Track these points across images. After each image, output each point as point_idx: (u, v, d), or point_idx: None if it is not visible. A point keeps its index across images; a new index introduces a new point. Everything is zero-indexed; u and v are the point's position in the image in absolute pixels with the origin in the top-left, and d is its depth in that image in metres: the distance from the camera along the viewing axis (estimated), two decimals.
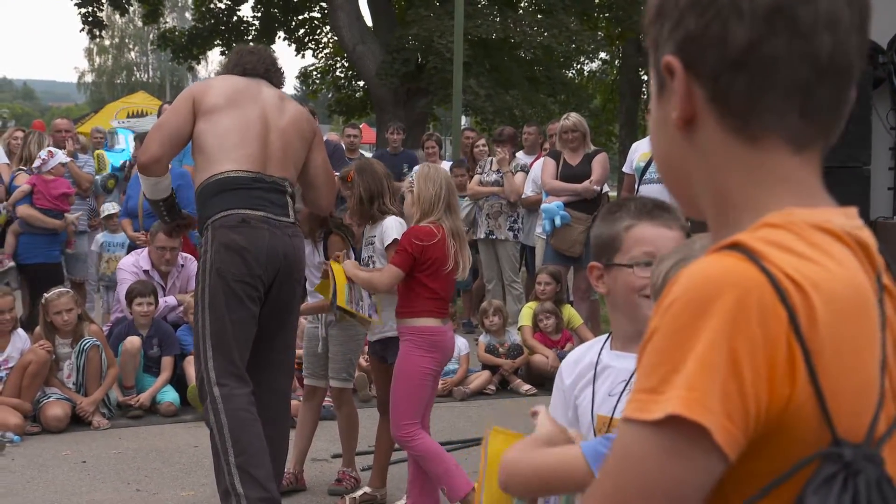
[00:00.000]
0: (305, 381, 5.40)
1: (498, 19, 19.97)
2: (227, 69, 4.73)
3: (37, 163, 8.33)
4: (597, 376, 2.22)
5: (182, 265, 7.61)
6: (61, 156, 8.47)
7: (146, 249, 7.59)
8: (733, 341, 0.96)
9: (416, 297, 4.51)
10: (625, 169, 7.84)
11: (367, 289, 4.68)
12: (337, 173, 9.00)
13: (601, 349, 2.26)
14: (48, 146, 8.66)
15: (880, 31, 7.12)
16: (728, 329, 0.96)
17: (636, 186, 7.60)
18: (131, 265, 7.50)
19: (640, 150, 7.67)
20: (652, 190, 7.43)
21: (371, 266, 4.93)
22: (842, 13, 1.05)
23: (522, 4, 22.41)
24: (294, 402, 6.17)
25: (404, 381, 4.50)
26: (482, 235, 9.39)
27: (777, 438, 0.99)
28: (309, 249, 5.16)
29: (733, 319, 0.96)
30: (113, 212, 9.14)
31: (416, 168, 4.96)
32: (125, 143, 12.77)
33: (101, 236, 9.20)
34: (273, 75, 4.67)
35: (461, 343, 7.26)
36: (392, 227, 4.82)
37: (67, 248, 8.68)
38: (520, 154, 9.88)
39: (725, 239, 1.04)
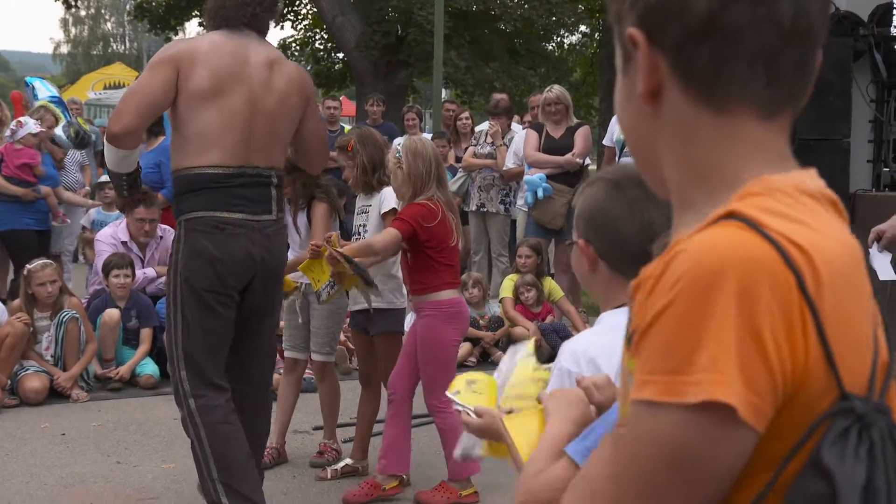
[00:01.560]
0: (286, 354, 5.39)
1: None
2: (209, 17, 4.13)
3: (6, 132, 8.27)
4: None
5: (161, 237, 7.56)
6: (31, 125, 8.36)
7: (124, 221, 7.53)
8: (751, 315, 0.96)
9: (430, 270, 4.56)
10: (605, 142, 7.84)
11: (365, 252, 4.54)
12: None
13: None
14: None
15: (861, 3, 7.13)
16: (744, 302, 0.96)
17: (617, 159, 7.61)
18: (109, 237, 7.45)
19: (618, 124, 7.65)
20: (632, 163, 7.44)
21: (360, 236, 4.94)
22: None
23: None
24: (275, 376, 6.17)
25: (436, 353, 4.58)
26: (473, 208, 9.38)
27: (793, 403, 0.99)
28: (289, 216, 5.15)
29: (747, 291, 0.96)
30: (106, 180, 8.76)
31: (398, 140, 4.93)
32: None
33: (94, 212, 8.92)
34: (261, 17, 4.11)
35: None
36: (391, 197, 4.84)
37: (53, 221, 8.47)
38: (515, 126, 9.86)
39: (715, 210, 1.02)
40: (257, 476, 4.08)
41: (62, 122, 9.86)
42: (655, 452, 1.00)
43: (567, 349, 2.12)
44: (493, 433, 2.05)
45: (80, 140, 9.85)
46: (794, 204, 1.03)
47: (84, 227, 8.86)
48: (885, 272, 4.40)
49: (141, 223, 7.37)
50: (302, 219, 5.23)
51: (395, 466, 4.71)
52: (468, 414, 2.08)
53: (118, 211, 8.47)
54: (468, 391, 2.15)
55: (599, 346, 2.10)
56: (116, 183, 4.46)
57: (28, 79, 12.05)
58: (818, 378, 0.99)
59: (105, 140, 4.09)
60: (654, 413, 1.00)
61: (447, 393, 2.19)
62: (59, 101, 10.50)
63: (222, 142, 3.90)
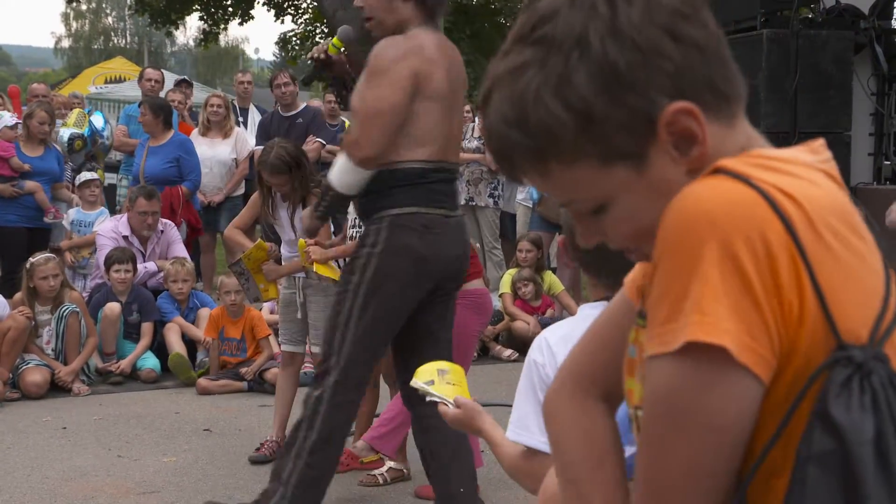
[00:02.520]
0: (283, 348, 5.38)
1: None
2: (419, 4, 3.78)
3: None
4: None
5: (162, 231, 7.57)
6: (7, 118, 8.19)
7: (125, 215, 7.53)
8: (736, 258, 0.96)
9: None
10: None
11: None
12: (318, 139, 9.01)
13: None
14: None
15: None
16: (728, 246, 0.96)
17: None
18: (110, 231, 7.45)
19: None
20: None
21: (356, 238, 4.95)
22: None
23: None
24: (273, 370, 6.18)
25: (458, 340, 4.55)
26: (462, 202, 9.38)
27: (793, 351, 0.99)
28: (285, 213, 5.14)
29: (732, 236, 0.97)
30: (91, 178, 8.52)
31: None
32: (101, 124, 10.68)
33: (73, 212, 8.32)
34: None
35: None
36: None
37: (45, 218, 8.14)
38: None
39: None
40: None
41: (77, 130, 9.32)
42: (660, 411, 1.01)
43: (535, 342, 2.13)
44: (471, 426, 2.07)
45: (73, 151, 9.35)
46: (782, 164, 1.04)
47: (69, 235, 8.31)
48: None
49: (143, 216, 7.37)
50: (299, 216, 5.21)
51: (381, 442, 4.71)
52: (446, 405, 2.09)
53: (100, 209, 8.33)
54: (442, 381, 2.15)
55: (563, 334, 2.10)
56: (337, 205, 3.98)
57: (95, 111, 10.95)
58: (816, 326, 0.99)
59: (348, 163, 3.72)
60: (652, 369, 1.01)
61: (414, 382, 2.18)
62: (94, 132, 9.69)
63: (435, 138, 3.75)
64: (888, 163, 7.29)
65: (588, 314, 2.14)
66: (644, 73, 1.03)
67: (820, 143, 1.12)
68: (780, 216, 0.98)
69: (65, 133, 9.12)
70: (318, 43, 23.18)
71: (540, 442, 1.96)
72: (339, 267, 4.79)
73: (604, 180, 1.08)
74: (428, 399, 2.12)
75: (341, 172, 3.74)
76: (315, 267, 4.81)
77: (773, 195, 0.99)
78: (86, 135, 9.48)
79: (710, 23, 1.09)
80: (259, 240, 5.62)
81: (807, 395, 0.99)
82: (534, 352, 2.11)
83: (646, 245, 1.09)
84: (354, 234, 5.00)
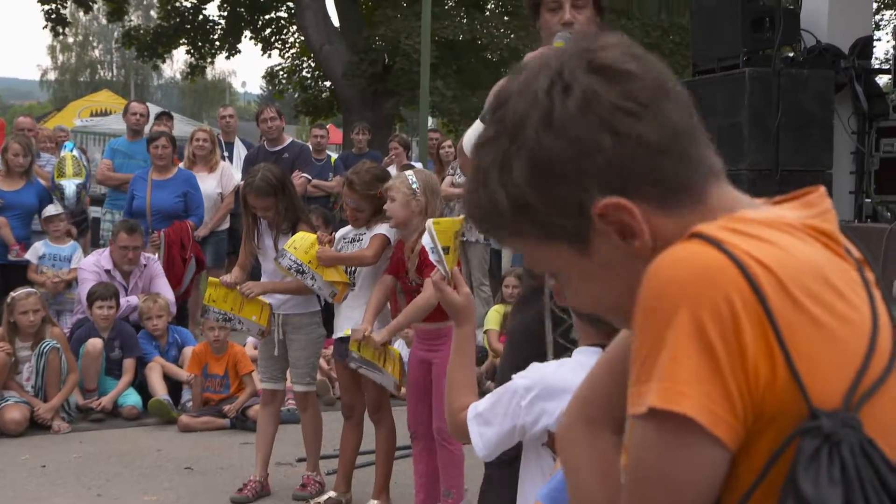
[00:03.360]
0: (263, 386, 5.35)
1: (465, 21, 19.99)
2: None
3: None
4: None
5: (145, 265, 7.54)
6: None
7: (108, 249, 7.49)
8: (701, 324, 0.97)
9: None
10: None
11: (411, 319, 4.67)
12: (304, 174, 9.02)
13: None
14: None
15: (842, 35, 7.18)
16: (695, 312, 0.97)
17: None
18: (92, 265, 7.41)
19: None
20: None
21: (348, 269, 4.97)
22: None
23: (489, 6, 22.44)
24: (255, 407, 6.13)
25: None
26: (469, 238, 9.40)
27: (764, 418, 0.99)
28: (270, 242, 5.12)
29: (699, 302, 0.97)
30: (55, 213, 8.07)
31: (408, 173, 4.89)
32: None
33: (40, 245, 7.97)
34: None
35: None
36: (383, 227, 4.86)
37: (9, 255, 7.89)
38: None
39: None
40: None
41: (80, 179, 8.69)
42: (631, 468, 1.03)
43: (527, 372, 2.17)
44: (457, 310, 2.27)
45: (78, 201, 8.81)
46: (760, 228, 1.04)
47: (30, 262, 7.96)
48: None
49: (124, 251, 7.34)
50: (283, 244, 5.17)
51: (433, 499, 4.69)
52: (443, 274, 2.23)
53: (71, 242, 8.15)
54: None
55: (555, 380, 2.12)
56: None
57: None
58: (787, 391, 0.99)
59: None
60: (629, 427, 1.03)
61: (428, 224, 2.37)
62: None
63: None
64: (869, 200, 7.34)
65: (583, 362, 2.12)
66: (575, 165, 1.06)
67: (819, 193, 1.12)
68: (749, 281, 0.98)
69: (68, 186, 8.58)
70: (305, 78, 23.14)
71: (477, 443, 2.05)
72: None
73: (552, 256, 1.12)
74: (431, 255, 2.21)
75: None
76: (323, 273, 4.83)
77: (743, 260, 0.99)
78: (85, 183, 9.04)
79: (667, 117, 1.07)
80: (209, 278, 5.56)
81: (779, 461, 0.99)
82: (521, 383, 2.15)
83: (613, 318, 1.11)
84: (340, 248, 5.00)
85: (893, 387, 1.05)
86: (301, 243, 4.90)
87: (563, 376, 2.08)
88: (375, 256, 4.81)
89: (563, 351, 3.16)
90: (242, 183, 5.39)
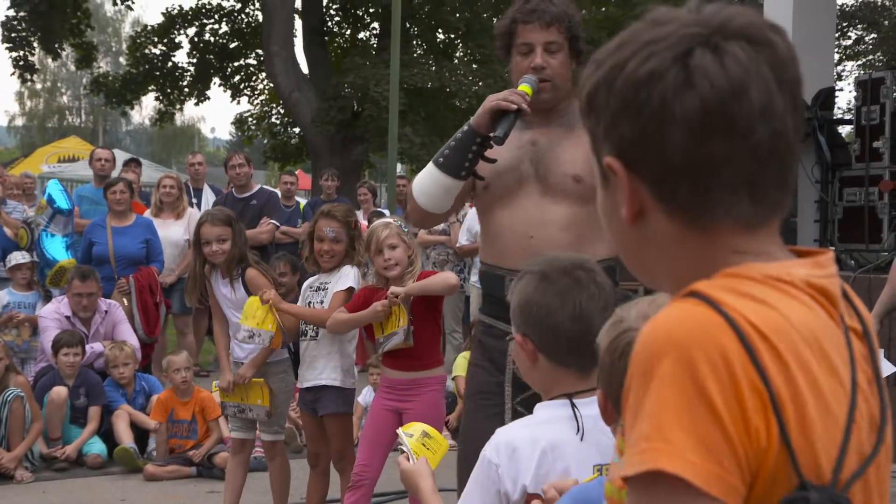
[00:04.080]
0: (232, 434, 5.30)
1: (434, 68, 20.15)
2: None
3: None
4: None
5: (106, 311, 7.47)
6: None
7: (66, 296, 7.42)
8: (703, 384, 0.95)
9: (436, 343, 4.58)
10: None
11: (441, 290, 4.56)
12: (273, 221, 9.01)
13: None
14: None
15: (805, 86, 7.32)
16: (695, 372, 0.96)
17: None
18: (53, 312, 7.33)
19: None
20: None
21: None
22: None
23: (458, 54, 22.64)
24: (222, 455, 6.08)
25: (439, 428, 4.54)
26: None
27: (757, 484, 0.98)
28: (227, 288, 5.09)
29: (695, 362, 0.96)
30: (22, 262, 7.93)
31: (392, 220, 4.90)
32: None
33: (4, 293, 7.85)
34: None
35: None
36: (350, 275, 4.84)
37: None
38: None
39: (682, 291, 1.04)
40: None
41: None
42: None
43: (493, 439, 2.12)
44: (413, 483, 2.15)
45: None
46: (760, 287, 1.02)
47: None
48: (886, 368, 4.50)
49: (78, 298, 7.25)
50: (239, 292, 5.12)
51: None
52: (407, 458, 2.21)
53: (36, 291, 8.01)
54: (420, 440, 2.29)
55: (523, 437, 2.08)
56: None
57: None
58: (780, 460, 0.97)
59: None
60: (626, 490, 1.01)
61: (400, 430, 2.31)
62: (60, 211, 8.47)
63: None
64: (833, 248, 7.44)
65: (547, 416, 2.10)
66: (613, 118, 1.08)
67: (828, 256, 1.10)
68: (744, 345, 0.97)
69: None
70: (274, 124, 23.05)
71: None
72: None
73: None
74: (397, 446, 2.23)
75: None
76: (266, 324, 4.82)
77: (740, 324, 0.98)
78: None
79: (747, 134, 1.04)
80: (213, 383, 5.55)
81: None
82: (490, 451, 2.09)
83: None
84: (306, 297, 4.98)
85: (882, 461, 1.06)
86: (249, 311, 4.89)
87: (530, 434, 2.08)
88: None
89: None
90: (196, 223, 5.32)
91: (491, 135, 3.12)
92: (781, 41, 1.07)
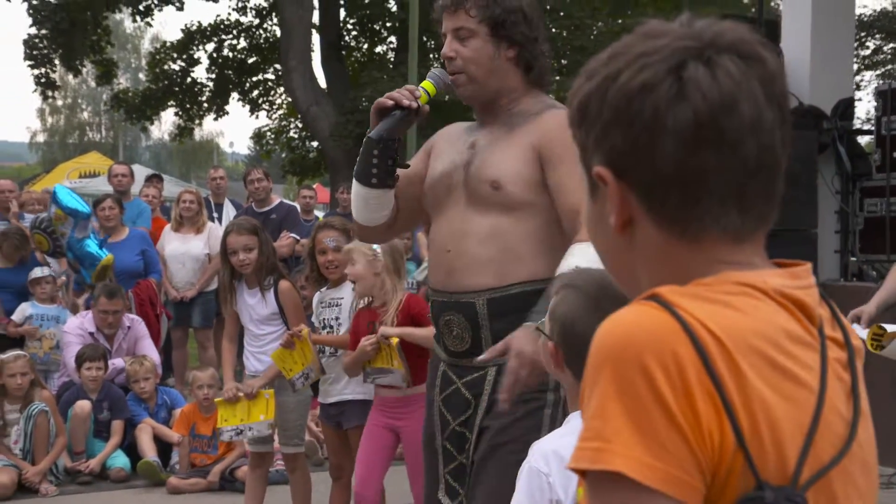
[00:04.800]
0: (250, 448, 5.31)
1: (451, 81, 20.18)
2: (545, 69, 3.05)
3: None
4: None
5: (129, 326, 7.52)
6: None
7: (91, 311, 7.47)
8: (653, 384, 0.97)
9: (426, 362, 4.55)
10: None
11: (419, 341, 4.48)
12: (293, 234, 9.05)
13: None
14: None
15: (824, 97, 7.31)
16: (642, 374, 0.97)
17: None
18: (76, 328, 7.39)
19: None
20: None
21: (333, 329, 4.93)
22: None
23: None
24: (243, 468, 6.10)
25: (365, 448, 4.52)
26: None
27: (714, 484, 0.99)
28: (255, 300, 5.10)
29: (648, 365, 0.97)
30: (40, 275, 7.92)
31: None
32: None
33: (26, 306, 7.80)
34: None
35: None
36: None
37: None
38: None
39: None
40: None
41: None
42: None
43: (536, 449, 2.13)
44: None
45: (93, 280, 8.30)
46: (729, 292, 1.04)
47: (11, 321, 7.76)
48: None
49: (105, 315, 7.31)
50: (267, 308, 5.13)
51: None
52: None
53: (60, 304, 8.03)
54: None
55: (567, 445, 2.09)
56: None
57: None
58: (737, 462, 0.99)
59: None
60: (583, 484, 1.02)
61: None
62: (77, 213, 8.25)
63: None
64: (854, 259, 7.41)
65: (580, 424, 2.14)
66: (604, 126, 1.09)
67: (805, 268, 1.12)
68: (697, 349, 0.98)
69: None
70: (292, 138, 23.13)
71: None
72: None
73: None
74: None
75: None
76: (252, 415, 4.88)
77: (693, 326, 1.00)
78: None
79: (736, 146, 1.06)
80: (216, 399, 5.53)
81: None
82: (537, 461, 2.10)
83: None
84: (319, 313, 4.99)
85: (849, 466, 1.06)
86: (287, 361, 4.88)
87: (571, 441, 2.08)
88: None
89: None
90: (223, 233, 5.36)
91: (368, 134, 2.85)
92: (770, 56, 1.09)
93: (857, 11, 18.64)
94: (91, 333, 7.35)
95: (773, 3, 18.71)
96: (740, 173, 1.06)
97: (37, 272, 8.02)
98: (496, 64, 2.89)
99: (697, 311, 1.01)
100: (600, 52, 1.13)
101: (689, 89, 1.04)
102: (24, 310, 7.80)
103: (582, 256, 2.56)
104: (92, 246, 8.06)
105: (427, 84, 2.94)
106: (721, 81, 1.04)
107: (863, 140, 8.40)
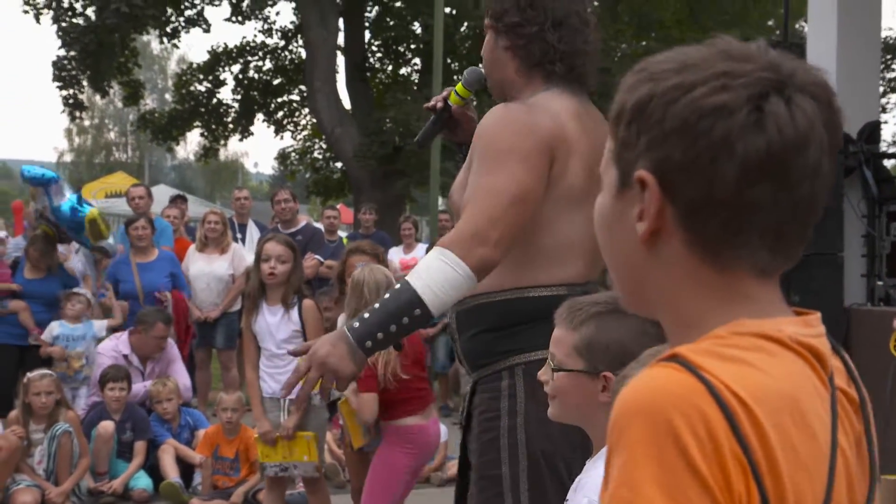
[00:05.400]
0: (267, 472, 5.30)
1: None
2: (543, 51, 2.78)
3: None
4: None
5: (162, 348, 7.58)
6: None
7: (125, 333, 7.52)
8: (686, 448, 0.95)
9: (393, 401, 4.53)
10: None
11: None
12: (317, 256, 9.07)
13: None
14: None
15: (850, 120, 7.26)
16: (672, 438, 0.95)
17: None
18: (110, 350, 7.44)
19: None
20: None
21: None
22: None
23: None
24: (263, 491, 6.10)
25: (380, 474, 4.50)
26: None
27: None
28: (277, 318, 5.10)
29: (677, 429, 0.96)
30: (76, 292, 8.02)
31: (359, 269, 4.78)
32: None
33: (55, 325, 7.79)
34: (595, 72, 2.92)
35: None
36: None
37: (29, 338, 7.93)
38: None
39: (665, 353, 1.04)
40: None
41: (112, 231, 8.71)
42: None
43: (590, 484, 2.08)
44: None
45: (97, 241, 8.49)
46: (746, 348, 1.03)
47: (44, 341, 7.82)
48: None
49: (159, 341, 7.42)
50: (293, 325, 5.13)
51: None
52: None
53: (86, 321, 7.99)
54: None
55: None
56: (409, 326, 2.56)
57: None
58: None
59: (467, 269, 2.51)
60: None
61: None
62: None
63: (579, 254, 2.72)
64: (881, 283, 7.34)
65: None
66: (661, 130, 1.07)
67: (816, 317, 1.11)
68: (725, 413, 0.97)
69: (108, 245, 8.43)
70: (316, 159, 23.22)
71: None
72: None
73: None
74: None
75: (445, 286, 2.51)
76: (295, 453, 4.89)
77: (720, 391, 0.98)
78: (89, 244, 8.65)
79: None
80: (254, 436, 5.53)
81: None
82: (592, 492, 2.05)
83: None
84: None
85: None
86: (264, 450, 5.02)
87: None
88: None
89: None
90: (258, 243, 5.40)
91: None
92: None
93: (883, 34, 18.56)
94: (125, 356, 7.39)
95: (798, 26, 18.67)
96: (788, 214, 1.06)
97: (74, 290, 8.07)
98: (495, 55, 2.85)
99: (721, 373, 0.99)
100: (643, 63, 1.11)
101: (768, 122, 1.03)
102: (52, 329, 7.83)
103: (429, 275, 2.49)
104: (65, 206, 8.03)
105: (458, 85, 2.96)
106: (798, 121, 1.03)
107: (889, 163, 8.34)
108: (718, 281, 1.07)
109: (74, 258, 9.18)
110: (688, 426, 0.96)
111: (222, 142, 24.02)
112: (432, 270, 2.52)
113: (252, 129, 23.60)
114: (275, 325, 5.10)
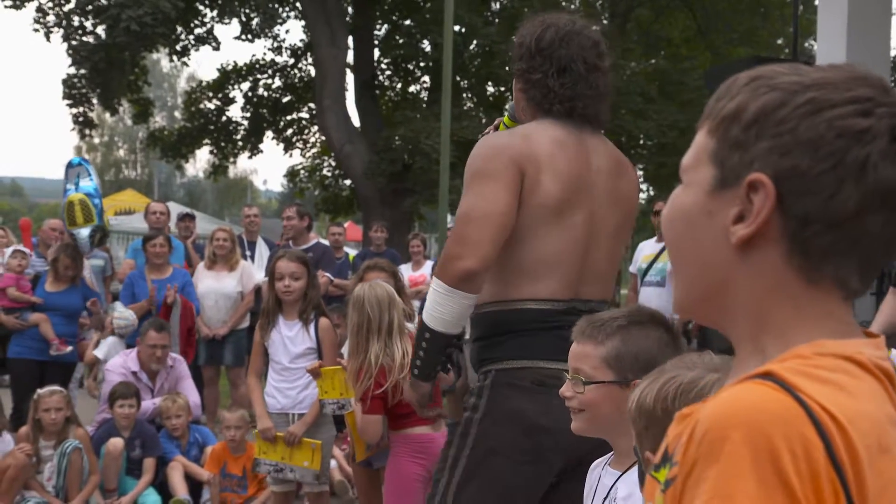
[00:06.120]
0: (273, 489, 5.30)
1: (484, 121, 20.28)
2: (532, 92, 3.05)
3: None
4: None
5: (171, 366, 7.55)
6: (7, 251, 8.36)
7: (135, 350, 7.53)
8: (781, 467, 0.94)
9: (403, 412, 4.54)
10: (631, 269, 7.97)
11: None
12: (326, 274, 9.09)
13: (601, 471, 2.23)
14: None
15: None
16: (769, 457, 0.94)
17: (638, 286, 7.72)
18: (119, 367, 7.43)
19: (644, 251, 7.81)
20: (649, 293, 7.50)
21: None
22: None
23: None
24: None
25: (395, 484, 4.50)
26: (467, 336, 9.36)
27: None
28: (294, 332, 5.12)
29: (776, 448, 0.95)
30: (125, 321, 8.02)
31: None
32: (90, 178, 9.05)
33: (111, 341, 7.97)
34: (603, 111, 3.08)
35: None
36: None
37: (50, 350, 8.01)
38: None
39: (754, 369, 1.03)
40: None
41: (92, 224, 8.56)
42: None
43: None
44: None
45: (93, 246, 8.74)
46: (833, 370, 1.02)
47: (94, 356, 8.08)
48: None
49: (153, 349, 7.36)
50: (310, 342, 5.15)
51: None
52: None
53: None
54: None
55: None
56: (433, 354, 3.01)
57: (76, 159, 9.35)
58: None
59: (445, 285, 2.84)
60: None
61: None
62: (97, 195, 8.84)
63: (558, 270, 2.90)
64: None
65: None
66: (779, 135, 1.07)
67: (882, 339, 1.11)
68: (821, 436, 0.96)
69: (80, 234, 8.44)
70: (325, 176, 23.31)
71: None
72: None
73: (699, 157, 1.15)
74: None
75: (435, 304, 2.87)
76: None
77: (817, 414, 0.97)
78: (99, 224, 8.71)
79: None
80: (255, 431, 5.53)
81: None
82: None
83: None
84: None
85: None
86: (329, 384, 4.91)
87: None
88: None
89: None
90: (272, 260, 5.44)
91: None
92: None
93: (893, 53, 18.55)
94: (134, 373, 7.39)
95: (807, 45, 18.69)
96: (886, 244, 1.07)
97: (119, 312, 8.11)
98: (515, 94, 3.14)
99: (816, 394, 0.99)
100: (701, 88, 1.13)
101: None
102: (106, 347, 7.90)
103: (427, 302, 2.92)
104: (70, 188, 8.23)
105: (505, 117, 3.34)
106: None
107: None
108: (807, 296, 1.07)
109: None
110: (787, 446, 0.95)
111: (231, 159, 24.12)
112: (428, 298, 2.92)
113: (261, 146, 23.72)
114: (291, 338, 5.13)
